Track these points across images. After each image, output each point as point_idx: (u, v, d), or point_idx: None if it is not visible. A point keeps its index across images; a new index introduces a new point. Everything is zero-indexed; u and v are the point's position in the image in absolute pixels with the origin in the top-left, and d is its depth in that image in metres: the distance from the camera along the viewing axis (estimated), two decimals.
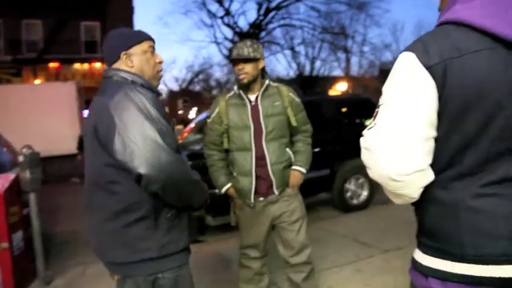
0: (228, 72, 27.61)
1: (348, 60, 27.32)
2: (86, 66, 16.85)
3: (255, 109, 2.30)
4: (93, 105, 1.44)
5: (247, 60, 2.24)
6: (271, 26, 24.51)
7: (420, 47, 0.93)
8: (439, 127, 0.93)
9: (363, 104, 6.40)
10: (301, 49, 27.30)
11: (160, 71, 1.57)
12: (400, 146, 0.90)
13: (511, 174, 0.88)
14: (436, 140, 0.94)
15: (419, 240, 1.05)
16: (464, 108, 0.89)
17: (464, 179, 0.92)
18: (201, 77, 33.83)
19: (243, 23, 43.22)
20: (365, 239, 4.07)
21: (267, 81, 2.33)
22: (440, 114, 0.92)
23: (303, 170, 2.35)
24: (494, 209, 0.89)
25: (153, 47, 1.55)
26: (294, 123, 2.33)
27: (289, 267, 2.45)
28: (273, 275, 2.61)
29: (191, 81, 37.38)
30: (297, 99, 2.37)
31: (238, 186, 2.34)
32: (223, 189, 2.38)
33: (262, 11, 23.29)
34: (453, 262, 0.92)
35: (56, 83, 14.12)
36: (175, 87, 39.91)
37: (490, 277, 0.87)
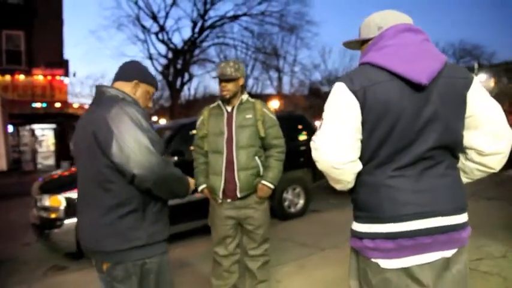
0: (161, 89, 27.43)
1: (279, 79, 28.72)
2: (7, 77, 15.78)
3: (230, 119, 2.66)
4: (89, 115, 1.66)
5: (229, 79, 2.60)
6: (205, 44, 24.98)
7: (348, 79, 1.35)
8: (363, 132, 1.34)
9: (298, 121, 6.95)
10: None
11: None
12: (338, 145, 1.30)
13: (411, 160, 1.31)
14: (362, 141, 1.34)
15: (355, 215, 1.44)
16: (378, 118, 1.31)
17: (382, 167, 1.34)
18: None
19: (178, 40, 43.26)
20: (304, 241, 4.51)
21: (243, 96, 2.70)
22: (363, 123, 1.33)
23: (271, 186, 2.66)
24: (402, 185, 1.31)
25: (153, 95, 1.88)
26: (262, 134, 2.65)
27: (247, 256, 2.80)
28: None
29: None
30: (270, 115, 2.71)
31: (210, 184, 2.67)
32: (200, 188, 2.72)
33: (197, 29, 23.72)
34: (379, 224, 1.32)
35: None
36: None
37: (404, 231, 1.28)
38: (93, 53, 44.06)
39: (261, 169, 2.67)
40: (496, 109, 1.37)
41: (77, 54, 75.53)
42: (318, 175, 6.84)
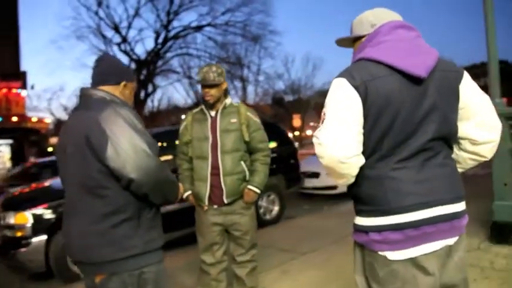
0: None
1: (244, 89, 28.86)
2: None
3: (214, 123, 2.61)
4: (77, 118, 1.57)
5: (211, 85, 2.55)
6: (169, 54, 24.74)
7: (348, 74, 1.37)
8: (365, 126, 1.35)
9: (270, 129, 6.98)
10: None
11: None
12: (343, 139, 1.30)
13: (413, 152, 1.34)
14: (363, 135, 1.36)
15: (358, 209, 1.44)
16: (379, 111, 1.33)
17: (384, 160, 1.36)
18: None
19: (141, 51, 42.52)
20: (283, 247, 4.50)
21: (227, 101, 2.66)
22: (365, 117, 1.34)
23: (257, 191, 2.63)
24: (405, 176, 1.34)
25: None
26: (246, 138, 2.62)
27: (235, 263, 2.74)
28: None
29: None
30: (255, 119, 2.68)
31: (195, 191, 2.60)
32: (185, 195, 2.63)
33: (160, 40, 23.47)
34: (384, 216, 1.33)
35: None
36: (64, 116, 36.98)
37: (410, 221, 1.30)
38: (54, 64, 42.08)
39: (247, 174, 2.64)
40: (486, 100, 1.44)
41: (36, 65, 72.40)
42: (291, 182, 6.93)
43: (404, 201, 1.32)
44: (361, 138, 1.34)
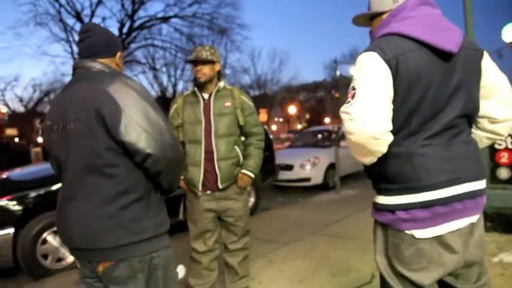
0: None
1: None
2: None
3: (207, 107, 2.49)
4: (81, 91, 1.42)
5: (204, 62, 2.44)
6: (133, 45, 23.96)
7: (378, 48, 1.32)
8: (394, 102, 1.32)
9: None
10: (164, 70, 27.28)
11: None
12: (376, 115, 1.26)
13: (441, 129, 1.33)
14: (393, 111, 1.32)
15: (382, 188, 1.40)
16: (410, 86, 1.30)
17: (412, 136, 1.33)
18: (52, 96, 30.53)
19: None
20: (265, 237, 4.46)
21: (221, 83, 2.55)
22: (394, 92, 1.31)
23: (251, 175, 2.55)
24: (434, 153, 1.32)
25: None
26: (241, 122, 2.53)
27: (227, 251, 2.66)
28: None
29: (40, 101, 33.36)
30: (249, 103, 2.60)
31: (188, 176, 2.48)
32: None
33: (124, 30, 22.64)
34: (413, 194, 1.30)
35: None
36: (19, 107, 35.02)
37: (439, 198, 1.29)
38: (11, 52, 39.20)
39: (241, 158, 2.57)
40: (505, 80, 1.46)
41: None
42: (266, 174, 6.90)
43: (435, 178, 1.29)
44: (391, 114, 1.30)
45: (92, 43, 1.55)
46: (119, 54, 1.60)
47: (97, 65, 1.50)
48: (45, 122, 1.56)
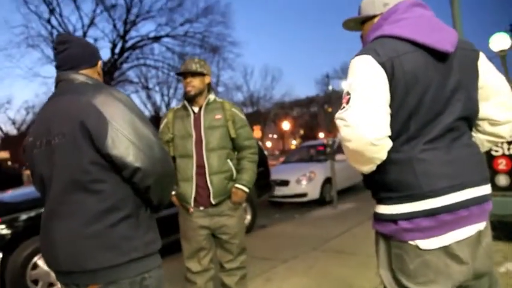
0: None
1: None
2: None
3: (197, 120, 2.44)
4: (64, 104, 1.36)
5: (194, 74, 2.40)
6: (126, 65, 24.05)
7: (372, 51, 1.28)
8: (391, 105, 1.27)
9: None
10: (157, 89, 27.33)
11: None
12: (373, 119, 1.21)
13: (441, 132, 1.28)
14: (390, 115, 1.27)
15: (382, 197, 1.34)
16: (406, 89, 1.26)
17: (411, 141, 1.28)
18: None
19: None
20: (263, 255, 4.35)
21: (210, 96, 2.50)
22: (392, 95, 1.26)
23: (246, 189, 2.48)
24: (435, 158, 1.26)
25: None
26: (233, 135, 2.47)
27: (223, 270, 2.55)
28: None
29: (32, 123, 33.15)
30: (241, 115, 2.54)
31: (180, 192, 2.40)
32: None
33: (117, 50, 22.75)
34: (415, 202, 1.24)
35: None
36: (12, 130, 34.76)
37: (444, 205, 1.22)
38: (2, 73, 38.68)
39: (234, 172, 2.50)
40: (503, 81, 1.42)
41: None
42: (262, 190, 6.81)
43: (437, 184, 1.24)
44: (389, 118, 1.25)
45: (71, 54, 1.49)
46: (99, 63, 1.56)
47: (80, 77, 1.45)
48: (26, 139, 1.49)
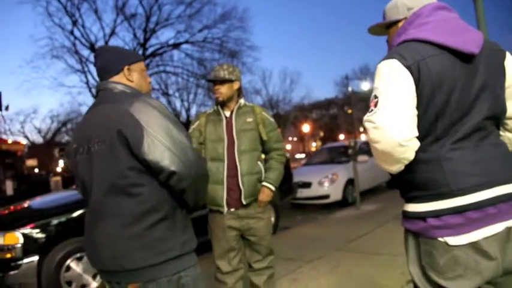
0: None
1: None
2: None
3: (229, 124, 2.52)
4: (103, 113, 1.45)
5: (222, 81, 2.48)
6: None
7: (398, 55, 1.32)
8: (418, 108, 1.30)
9: None
10: (177, 95, 27.73)
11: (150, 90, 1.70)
12: (401, 121, 1.24)
13: (468, 132, 1.30)
14: (417, 117, 1.31)
15: (411, 196, 1.37)
16: (433, 91, 1.29)
17: (438, 141, 1.31)
18: (69, 126, 31.27)
19: None
20: (288, 256, 4.39)
21: (241, 101, 2.58)
22: (418, 98, 1.30)
23: (272, 188, 2.54)
24: (463, 157, 1.29)
25: (145, 68, 1.67)
26: (264, 137, 2.55)
27: (252, 270, 2.62)
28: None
29: (57, 132, 34.16)
30: (270, 119, 2.62)
31: (211, 194, 2.46)
32: None
33: None
34: (444, 200, 1.27)
35: None
36: (38, 139, 35.89)
37: (472, 203, 1.25)
38: (30, 84, 39.70)
39: (263, 174, 2.56)
40: None
41: (11, 85, 69.24)
42: (284, 192, 6.85)
43: (465, 183, 1.26)
44: (416, 120, 1.29)
45: (101, 65, 1.58)
46: (126, 68, 1.57)
47: (119, 86, 1.53)
48: (70, 145, 1.59)
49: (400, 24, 1.49)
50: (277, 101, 42.33)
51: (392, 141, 1.24)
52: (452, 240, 1.27)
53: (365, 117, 1.33)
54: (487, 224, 1.27)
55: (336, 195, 8.32)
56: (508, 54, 1.41)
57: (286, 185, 6.90)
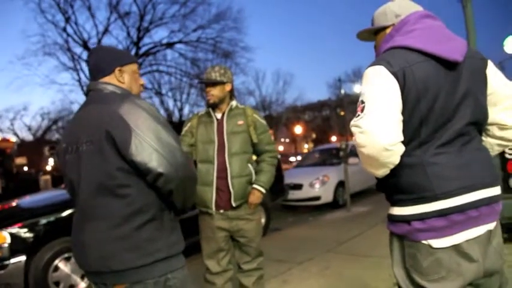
0: None
1: None
2: None
3: (220, 126, 2.53)
4: (92, 113, 1.45)
5: (214, 83, 2.49)
6: (139, 71, 24.31)
7: (384, 62, 1.35)
8: (403, 113, 1.33)
9: None
10: (169, 94, 27.63)
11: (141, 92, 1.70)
12: (387, 126, 1.27)
13: (451, 137, 1.33)
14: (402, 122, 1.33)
15: (396, 199, 1.40)
16: (418, 97, 1.32)
17: (423, 146, 1.34)
18: (60, 124, 30.98)
19: None
20: (278, 257, 4.40)
21: (233, 103, 2.59)
22: (403, 104, 1.32)
23: (263, 190, 2.55)
24: (446, 161, 1.32)
25: (139, 70, 1.67)
26: (255, 140, 2.55)
27: (241, 271, 2.63)
28: None
29: (48, 130, 33.82)
30: (262, 121, 2.62)
31: (200, 196, 2.47)
32: None
33: None
34: (429, 203, 1.30)
35: None
36: (28, 136, 35.48)
37: (455, 206, 1.28)
38: (21, 81, 38.92)
39: (254, 177, 2.57)
40: (510, 87, 1.46)
41: (2, 81, 68.10)
42: (275, 194, 6.86)
43: (449, 186, 1.29)
44: (401, 125, 1.31)
45: (93, 65, 1.58)
46: (117, 69, 1.56)
47: (109, 86, 1.53)
48: (60, 145, 1.58)
49: (388, 30, 1.52)
50: (270, 102, 42.45)
51: (378, 146, 1.26)
52: (436, 243, 1.29)
53: (352, 122, 1.35)
54: (469, 226, 1.29)
55: (327, 197, 8.36)
56: (489, 62, 1.45)
57: (277, 187, 6.90)
